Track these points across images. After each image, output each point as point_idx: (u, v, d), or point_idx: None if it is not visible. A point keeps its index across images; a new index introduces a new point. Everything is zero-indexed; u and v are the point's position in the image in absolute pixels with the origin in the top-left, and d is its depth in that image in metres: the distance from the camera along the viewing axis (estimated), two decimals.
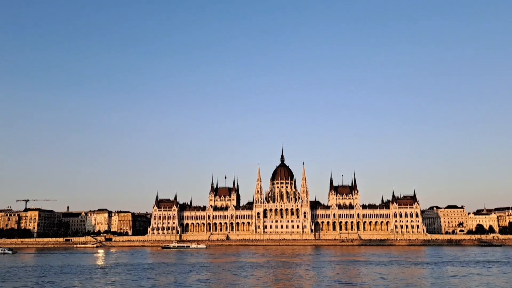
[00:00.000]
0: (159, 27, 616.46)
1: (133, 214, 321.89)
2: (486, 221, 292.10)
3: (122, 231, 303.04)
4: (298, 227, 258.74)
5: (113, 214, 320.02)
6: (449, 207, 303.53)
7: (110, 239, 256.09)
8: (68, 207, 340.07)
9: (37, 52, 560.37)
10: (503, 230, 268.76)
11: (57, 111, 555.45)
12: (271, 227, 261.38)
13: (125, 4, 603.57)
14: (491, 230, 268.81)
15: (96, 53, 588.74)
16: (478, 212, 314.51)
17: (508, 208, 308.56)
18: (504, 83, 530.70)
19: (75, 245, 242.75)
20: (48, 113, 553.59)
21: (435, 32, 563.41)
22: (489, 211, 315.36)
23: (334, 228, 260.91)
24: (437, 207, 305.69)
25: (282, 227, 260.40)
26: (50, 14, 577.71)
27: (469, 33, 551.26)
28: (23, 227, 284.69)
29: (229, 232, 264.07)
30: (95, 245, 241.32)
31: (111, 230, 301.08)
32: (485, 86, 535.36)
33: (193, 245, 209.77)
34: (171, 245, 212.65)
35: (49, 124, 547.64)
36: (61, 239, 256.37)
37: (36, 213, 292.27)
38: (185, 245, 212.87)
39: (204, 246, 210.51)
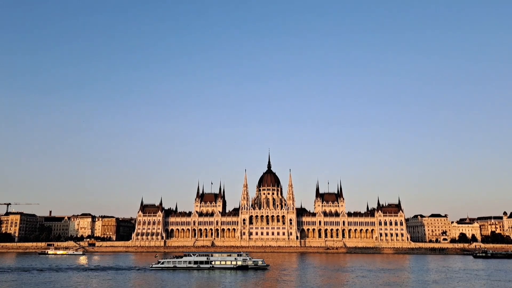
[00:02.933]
0: (147, 32, 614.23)
1: (117, 219, 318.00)
2: (469, 230, 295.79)
3: (105, 236, 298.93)
4: (283, 234, 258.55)
5: (96, 219, 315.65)
6: (433, 215, 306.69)
7: (93, 245, 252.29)
8: (50, 211, 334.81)
9: (27, 54, 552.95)
10: (485, 239, 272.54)
11: (40, 114, 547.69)
12: (256, 233, 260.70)
13: (121, 7, 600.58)
14: (473, 239, 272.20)
15: (83, 57, 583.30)
16: (461, 221, 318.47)
17: (490, 218, 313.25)
18: (489, 94, 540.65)
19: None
20: (32, 116, 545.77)
21: (424, 40, 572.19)
22: (472, 220, 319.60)
23: (319, 235, 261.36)
24: (421, 216, 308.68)
25: (267, 233, 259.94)
26: (45, 17, 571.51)
27: (456, 43, 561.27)
28: (3, 231, 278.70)
29: (214, 239, 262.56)
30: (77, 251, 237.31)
31: (95, 235, 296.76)
32: (470, 96, 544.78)
33: (70, 251, 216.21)
34: (47, 251, 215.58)
35: (33, 127, 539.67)
36: (43, 244, 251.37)
37: (18, 217, 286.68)
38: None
39: (81, 253, 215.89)
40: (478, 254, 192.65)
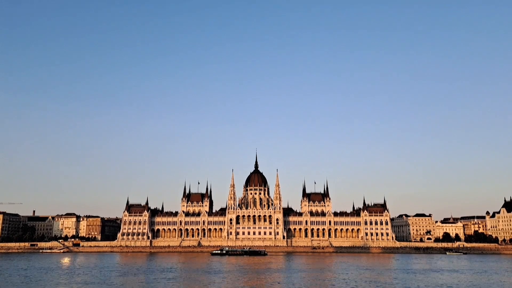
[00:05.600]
0: (134, 31, 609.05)
1: (102, 219, 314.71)
2: (453, 230, 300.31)
3: (90, 236, 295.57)
4: (270, 233, 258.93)
5: (81, 219, 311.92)
6: (417, 215, 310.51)
7: (78, 245, 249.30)
8: (34, 211, 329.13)
9: (10, 52, 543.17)
10: (468, 239, 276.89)
11: (25, 113, 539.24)
12: (243, 233, 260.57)
13: (111, 4, 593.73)
14: (457, 238, 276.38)
15: (69, 56, 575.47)
16: (445, 221, 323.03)
17: (473, 217, 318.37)
18: (474, 95, 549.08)
19: (41, 251, 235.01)
20: (16, 115, 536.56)
21: (415, 38, 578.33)
22: (455, 220, 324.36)
23: (306, 235, 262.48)
24: (406, 215, 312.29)
25: (254, 233, 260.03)
26: (35, 13, 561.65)
27: (447, 41, 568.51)
28: None
29: (201, 238, 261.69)
30: (62, 251, 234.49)
31: (79, 235, 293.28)
32: (455, 97, 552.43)
33: None
34: None
35: (17, 126, 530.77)
36: (26, 244, 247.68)
37: (0, 216, 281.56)
38: None
39: None
40: (214, 252, 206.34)
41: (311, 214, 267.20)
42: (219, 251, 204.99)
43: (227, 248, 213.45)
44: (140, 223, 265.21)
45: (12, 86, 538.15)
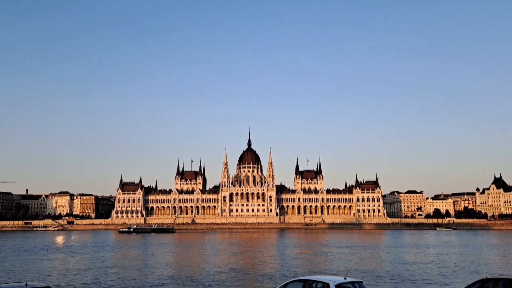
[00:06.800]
0: (126, 9, 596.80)
1: (96, 197, 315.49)
2: (443, 206, 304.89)
3: (84, 214, 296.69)
4: (263, 211, 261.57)
5: (75, 197, 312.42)
6: (409, 192, 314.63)
7: (72, 223, 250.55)
8: (27, 190, 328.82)
9: (7, 31, 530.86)
10: (458, 215, 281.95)
11: (18, 92, 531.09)
12: (237, 210, 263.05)
13: None
14: (447, 214, 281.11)
15: (61, 34, 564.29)
16: (436, 197, 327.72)
17: (463, 194, 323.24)
18: (462, 73, 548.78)
19: (35, 229, 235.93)
20: (9, 94, 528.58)
21: (409, 18, 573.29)
22: (446, 196, 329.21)
23: (299, 212, 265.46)
24: (398, 192, 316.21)
25: (248, 210, 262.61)
26: None
27: (438, 21, 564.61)
28: None
29: (194, 216, 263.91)
30: (56, 228, 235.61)
31: (73, 214, 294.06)
32: (444, 74, 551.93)
33: None
34: None
35: (8, 104, 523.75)
36: (20, 222, 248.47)
37: None
38: None
39: None
40: (122, 230, 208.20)
41: (304, 191, 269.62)
42: (126, 229, 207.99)
43: (134, 226, 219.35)
44: (134, 201, 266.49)
45: (3, 65, 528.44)
